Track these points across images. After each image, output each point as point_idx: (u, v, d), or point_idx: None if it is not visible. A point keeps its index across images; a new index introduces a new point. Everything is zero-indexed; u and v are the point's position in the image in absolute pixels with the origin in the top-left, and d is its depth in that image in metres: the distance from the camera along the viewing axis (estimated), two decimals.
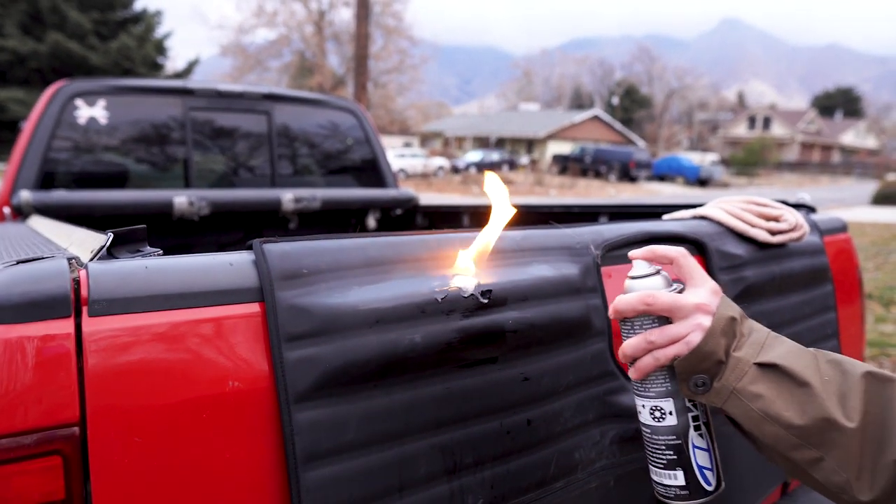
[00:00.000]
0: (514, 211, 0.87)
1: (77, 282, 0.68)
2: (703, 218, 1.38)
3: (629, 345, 0.81)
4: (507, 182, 27.86)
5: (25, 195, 2.47)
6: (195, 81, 3.09)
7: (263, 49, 38.59)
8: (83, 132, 2.80)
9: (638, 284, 0.83)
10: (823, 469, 0.74)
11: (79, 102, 2.79)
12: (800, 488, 1.62)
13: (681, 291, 0.83)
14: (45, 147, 2.68)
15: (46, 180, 2.68)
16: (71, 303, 0.67)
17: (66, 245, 0.99)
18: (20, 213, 2.50)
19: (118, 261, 0.74)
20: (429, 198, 6.16)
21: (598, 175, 34.74)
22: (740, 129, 66.11)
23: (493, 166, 35.27)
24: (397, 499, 0.81)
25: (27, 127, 2.72)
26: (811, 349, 0.81)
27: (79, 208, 2.56)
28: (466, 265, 0.87)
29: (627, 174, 33.77)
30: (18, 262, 0.73)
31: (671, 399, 0.81)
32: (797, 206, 1.72)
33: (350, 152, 3.52)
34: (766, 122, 64.53)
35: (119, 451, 0.66)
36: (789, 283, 1.42)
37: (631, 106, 68.37)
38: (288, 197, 3.00)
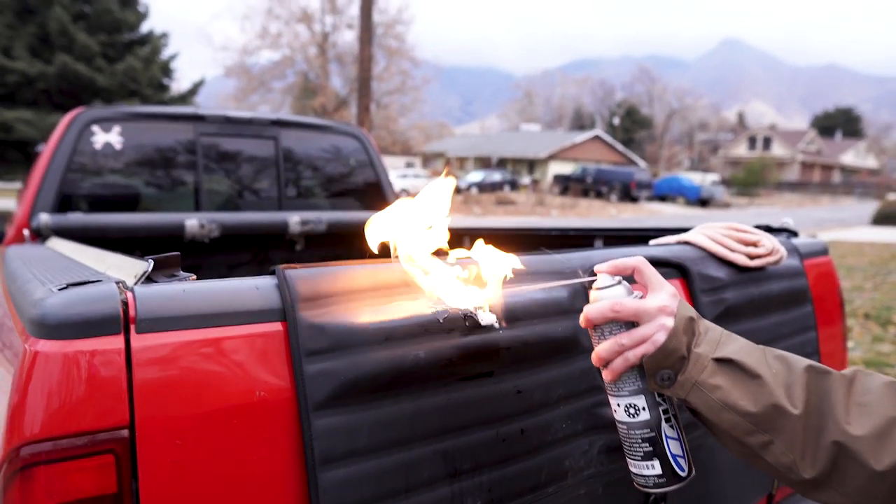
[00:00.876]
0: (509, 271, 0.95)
1: (125, 303, 0.79)
2: (686, 243, 1.49)
3: (602, 349, 0.91)
4: (509, 202, 28.03)
5: (45, 218, 2.58)
6: (206, 108, 3.21)
7: (267, 70, 39.05)
8: (99, 157, 2.92)
9: (603, 294, 0.92)
10: (773, 452, 0.85)
11: (95, 128, 2.91)
12: (784, 500, 1.70)
13: (640, 298, 0.93)
14: (62, 171, 2.79)
15: (63, 203, 2.78)
16: (121, 322, 0.77)
17: (104, 269, 1.10)
18: (39, 235, 2.61)
19: (159, 284, 0.84)
20: None
21: (599, 195, 34.92)
22: (741, 150, 66.48)
23: (495, 186, 35.50)
24: (403, 499, 0.91)
25: (45, 152, 2.83)
26: (760, 346, 0.92)
27: (94, 230, 2.67)
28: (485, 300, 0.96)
29: (628, 194, 33.94)
30: (69, 286, 0.83)
31: (643, 395, 0.91)
32: (780, 230, 1.82)
33: (354, 175, 3.64)
34: (767, 143, 64.91)
35: (162, 451, 0.76)
36: (768, 305, 1.52)
37: (632, 126, 68.83)
38: (295, 220, 3.11)
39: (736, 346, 0.90)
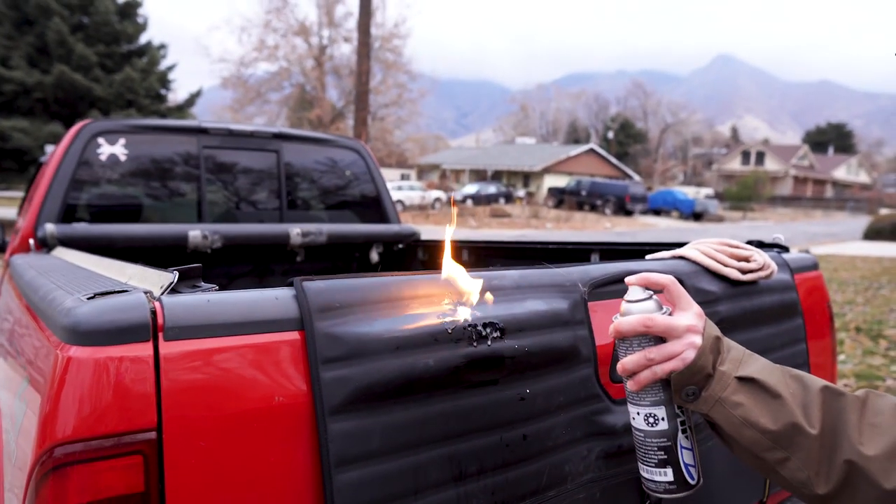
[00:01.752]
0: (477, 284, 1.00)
1: (154, 312, 0.83)
2: (681, 258, 1.54)
3: (630, 360, 0.94)
4: (504, 214, 28.13)
5: (50, 228, 2.62)
6: (209, 121, 3.26)
7: (264, 82, 39.20)
8: (104, 168, 2.96)
9: (635, 308, 0.96)
10: (789, 467, 0.90)
11: (101, 140, 2.95)
12: None
13: (669, 314, 0.96)
14: (68, 182, 2.83)
15: (68, 213, 2.82)
16: (150, 329, 0.82)
17: (126, 279, 1.14)
18: (44, 245, 2.64)
19: (184, 295, 0.89)
20: (428, 230, 6.33)
21: (593, 208, 35.07)
22: (734, 164, 66.93)
23: (490, 199, 35.62)
24: (412, 500, 0.95)
25: (51, 163, 2.87)
26: (778, 366, 0.97)
27: (100, 240, 2.71)
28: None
29: (623, 207, 34.10)
30: (96, 295, 0.88)
31: (663, 406, 0.95)
32: (772, 246, 1.88)
33: (354, 189, 3.69)
34: (760, 157, 65.37)
35: (187, 452, 0.81)
36: (760, 317, 1.57)
37: (626, 140, 69.24)
38: (296, 231, 3.15)
39: (758, 365, 0.94)
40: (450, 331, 0.99)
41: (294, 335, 0.91)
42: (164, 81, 21.10)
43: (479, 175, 49.96)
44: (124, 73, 18.84)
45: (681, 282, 1.43)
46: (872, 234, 21.54)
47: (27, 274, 1.55)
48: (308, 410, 0.89)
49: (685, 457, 0.95)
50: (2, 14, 17.98)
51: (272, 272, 3.33)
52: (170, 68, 21.42)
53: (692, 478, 0.95)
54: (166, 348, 0.82)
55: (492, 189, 37.61)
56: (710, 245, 1.56)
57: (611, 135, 68.36)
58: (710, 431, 0.99)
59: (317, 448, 0.89)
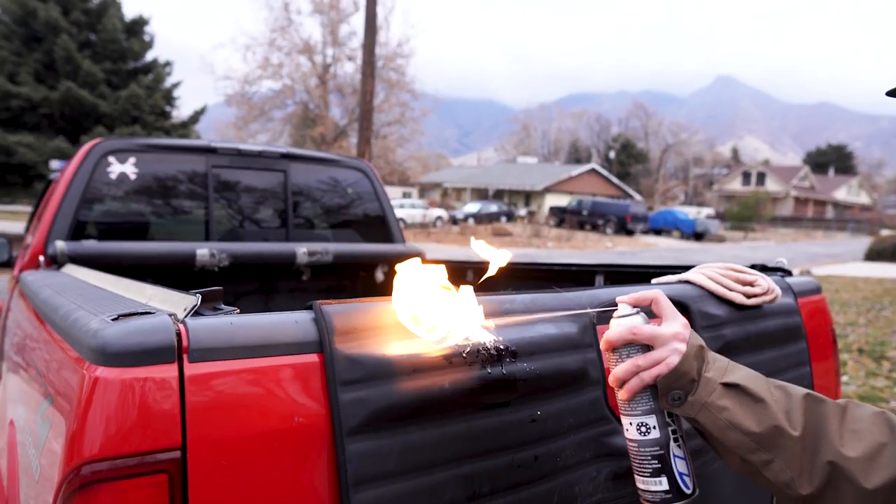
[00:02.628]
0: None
1: (178, 334, 0.86)
2: (687, 282, 1.57)
3: (620, 369, 0.99)
4: (506, 233, 28.19)
5: (61, 245, 2.65)
6: (218, 141, 3.31)
7: (267, 99, 39.44)
8: (114, 187, 3.00)
9: (623, 322, 1.01)
10: (773, 469, 0.94)
11: (111, 159, 2.99)
12: None
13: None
14: (78, 200, 2.87)
15: (78, 231, 2.85)
16: (175, 351, 0.84)
17: (145, 300, 1.17)
18: (54, 262, 2.67)
19: (207, 317, 0.91)
20: (430, 248, 6.36)
21: (594, 228, 35.12)
22: (735, 184, 67.14)
23: (492, 217, 35.71)
24: None
25: (62, 180, 2.91)
26: (762, 375, 1.01)
27: (109, 258, 2.74)
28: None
29: (624, 227, 34.13)
30: (120, 317, 0.91)
31: (654, 415, 0.99)
32: (775, 270, 1.90)
33: (360, 208, 3.73)
34: (761, 178, 65.59)
35: (210, 471, 0.83)
36: (764, 341, 1.60)
37: (627, 160, 69.54)
38: (302, 251, 3.18)
39: (742, 373, 0.99)
40: (464, 354, 1.01)
41: (313, 357, 0.93)
42: (168, 98, 21.29)
43: (480, 194, 50.13)
44: (130, 90, 19.02)
45: (687, 306, 1.46)
46: (874, 254, 21.58)
47: (42, 292, 1.58)
48: (327, 431, 0.91)
49: (678, 465, 0.98)
50: (10, 31, 18.20)
51: (278, 290, 3.35)
52: (175, 85, 21.62)
53: (687, 487, 0.98)
54: (191, 370, 0.84)
55: (493, 208, 37.72)
56: (716, 270, 1.59)
57: (612, 155, 68.65)
58: (710, 449, 1.02)
59: (335, 468, 0.91)
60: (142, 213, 3.14)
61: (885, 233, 33.67)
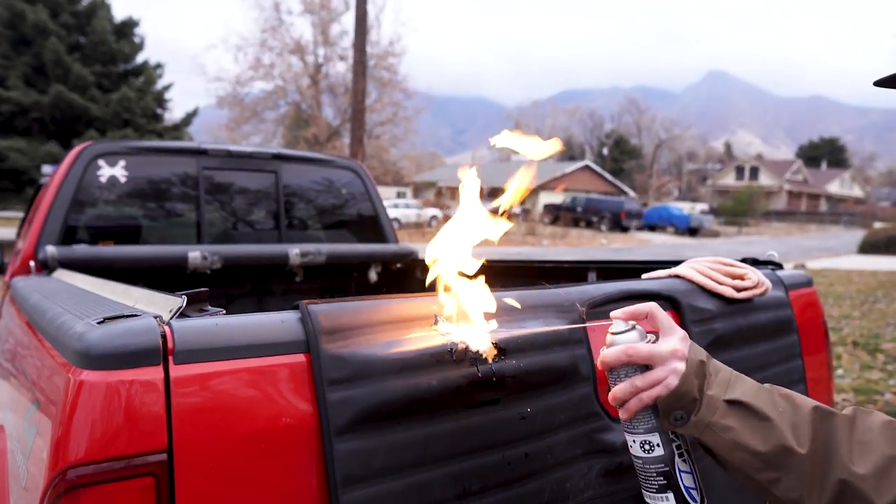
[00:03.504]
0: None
1: (164, 336, 0.85)
2: (677, 277, 1.57)
3: (618, 390, 0.97)
4: None
5: (51, 250, 2.63)
6: (208, 143, 3.29)
7: (260, 100, 39.31)
8: (104, 190, 2.98)
9: (619, 339, 0.99)
10: (781, 487, 0.92)
11: (101, 163, 2.98)
12: None
13: (654, 341, 0.99)
14: (68, 204, 2.85)
15: (69, 235, 2.84)
16: (160, 353, 0.84)
17: (132, 303, 1.16)
18: (45, 267, 2.66)
19: (193, 319, 0.91)
20: (424, 248, 6.33)
21: (589, 224, 35.14)
22: (729, 179, 67.29)
23: None
24: None
25: (52, 185, 2.89)
26: (766, 385, 0.99)
27: (100, 262, 2.72)
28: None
29: (619, 223, 34.17)
30: (106, 320, 0.90)
31: (657, 433, 0.97)
32: (766, 263, 1.91)
33: (352, 209, 3.72)
34: (754, 172, 65.75)
35: (197, 473, 0.82)
36: (755, 334, 1.60)
37: (621, 157, 69.60)
38: (295, 252, 3.17)
39: (745, 387, 0.96)
40: (452, 351, 1.01)
41: (300, 357, 0.93)
42: (160, 101, 21.19)
43: None
44: (121, 93, 18.92)
45: (677, 301, 1.46)
46: (867, 247, 21.66)
47: (32, 297, 1.57)
48: (315, 431, 0.91)
49: (685, 480, 0.97)
50: None
51: (271, 292, 3.34)
52: (166, 87, 21.52)
53: (694, 500, 0.97)
54: (176, 371, 0.84)
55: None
56: (705, 264, 1.59)
57: (605, 151, 68.71)
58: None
59: (323, 468, 0.90)
60: (133, 217, 3.13)
61: (878, 225, 33.83)
